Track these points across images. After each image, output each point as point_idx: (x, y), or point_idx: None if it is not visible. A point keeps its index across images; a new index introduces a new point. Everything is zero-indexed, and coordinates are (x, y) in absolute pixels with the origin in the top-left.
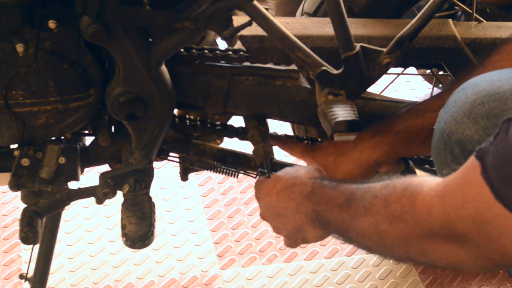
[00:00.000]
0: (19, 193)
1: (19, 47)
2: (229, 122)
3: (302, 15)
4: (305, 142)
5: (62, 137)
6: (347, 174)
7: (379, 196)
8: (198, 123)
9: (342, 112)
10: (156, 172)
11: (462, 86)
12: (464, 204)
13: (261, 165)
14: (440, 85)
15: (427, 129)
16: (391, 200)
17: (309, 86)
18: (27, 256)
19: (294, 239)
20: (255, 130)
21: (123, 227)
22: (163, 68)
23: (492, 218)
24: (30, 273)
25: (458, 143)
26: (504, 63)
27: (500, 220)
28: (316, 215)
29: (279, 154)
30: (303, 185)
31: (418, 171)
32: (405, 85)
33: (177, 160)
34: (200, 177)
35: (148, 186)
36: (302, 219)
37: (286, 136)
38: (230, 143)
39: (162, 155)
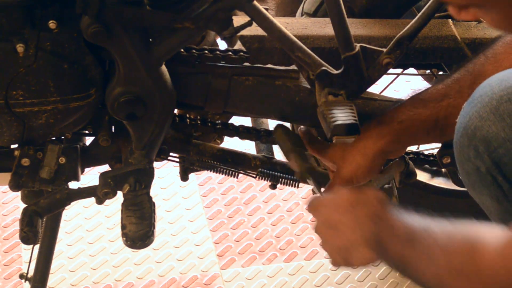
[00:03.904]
0: (19, 193)
1: (19, 47)
2: (229, 122)
3: (302, 15)
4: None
5: (62, 137)
6: (355, 165)
7: (440, 243)
8: (199, 122)
9: (341, 115)
10: (156, 172)
11: (487, 81)
12: None
13: (261, 165)
14: None
15: (430, 119)
16: (452, 250)
17: (309, 86)
18: (27, 256)
19: (338, 257)
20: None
21: (123, 227)
22: (163, 68)
23: None
24: (31, 273)
25: (483, 140)
26: (507, 56)
27: None
28: (376, 239)
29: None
30: (370, 205)
31: (418, 171)
32: (405, 85)
33: (177, 160)
34: (200, 177)
35: (148, 186)
36: (358, 238)
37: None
38: (230, 143)
39: (162, 155)
